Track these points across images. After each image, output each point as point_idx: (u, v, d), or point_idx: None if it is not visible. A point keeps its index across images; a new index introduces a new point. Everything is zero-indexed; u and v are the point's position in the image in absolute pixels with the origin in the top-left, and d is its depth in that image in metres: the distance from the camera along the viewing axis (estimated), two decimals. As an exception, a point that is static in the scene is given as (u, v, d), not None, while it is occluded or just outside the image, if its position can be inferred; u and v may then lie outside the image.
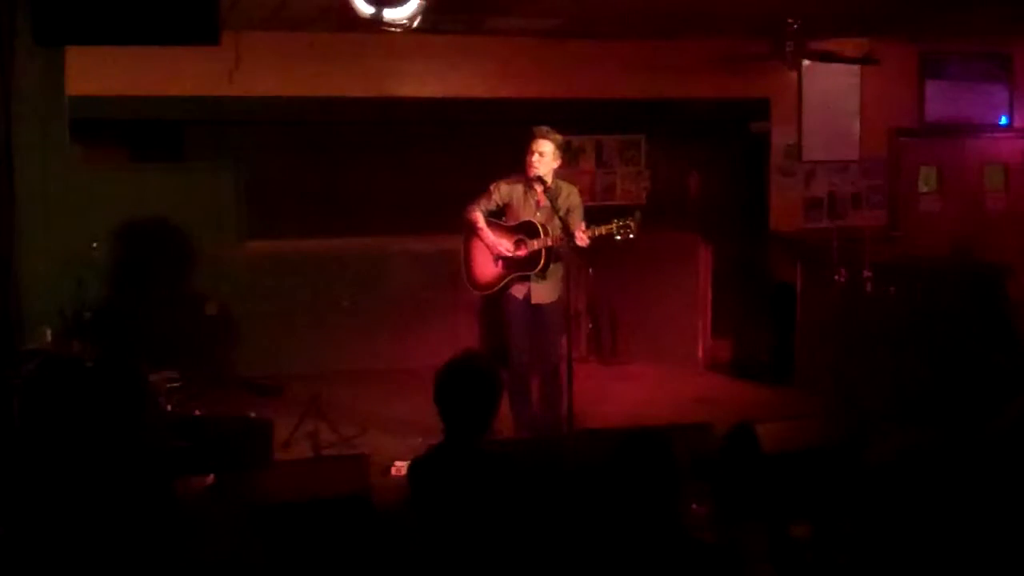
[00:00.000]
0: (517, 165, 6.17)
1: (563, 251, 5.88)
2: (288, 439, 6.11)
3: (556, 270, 6.02)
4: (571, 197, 6.07)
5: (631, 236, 5.71)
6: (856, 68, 9.00)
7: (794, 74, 8.94)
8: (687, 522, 3.05)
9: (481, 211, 6.16)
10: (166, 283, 7.87)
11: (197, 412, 6.09)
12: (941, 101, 9.70)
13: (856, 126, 9.43)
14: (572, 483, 4.08)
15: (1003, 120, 9.96)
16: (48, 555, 3.26)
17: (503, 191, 6.15)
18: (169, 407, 6.04)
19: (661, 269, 8.34)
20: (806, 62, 8.59)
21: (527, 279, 6.06)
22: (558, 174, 6.10)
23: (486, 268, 6.18)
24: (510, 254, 6.06)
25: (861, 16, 7.94)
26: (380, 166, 8.83)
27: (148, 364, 5.65)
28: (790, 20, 7.82)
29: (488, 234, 6.12)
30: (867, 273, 6.94)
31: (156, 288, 7.80)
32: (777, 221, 9.25)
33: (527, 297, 6.09)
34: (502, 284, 6.12)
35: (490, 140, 8.73)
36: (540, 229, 5.97)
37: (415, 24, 5.47)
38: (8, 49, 4.84)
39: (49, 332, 5.16)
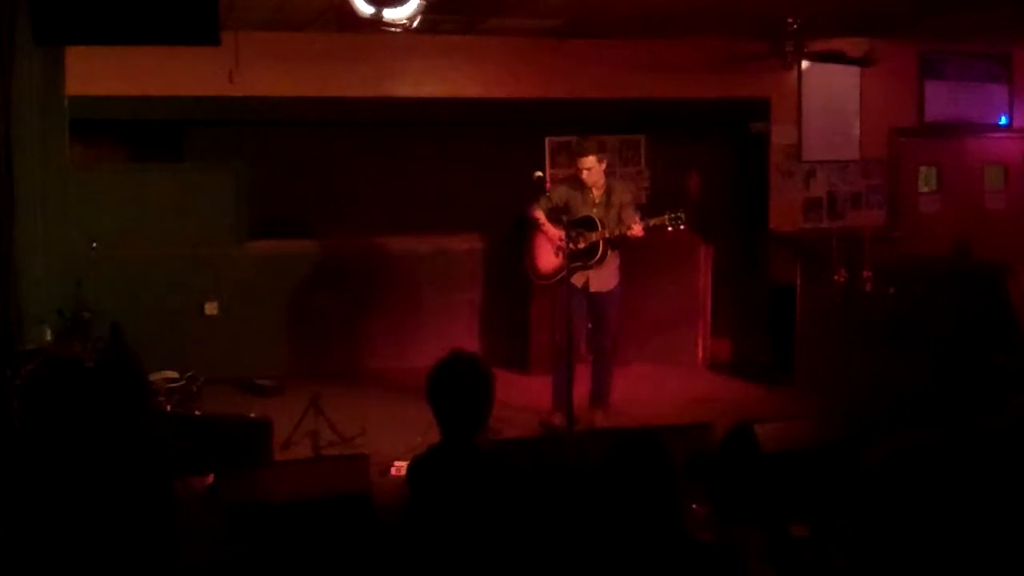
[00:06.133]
0: (517, 165, 6.23)
1: (619, 242, 6.53)
2: (288, 439, 6.11)
3: (612, 259, 6.62)
4: (623, 194, 6.72)
5: (682, 227, 6.45)
6: (856, 68, 8.99)
7: (794, 74, 8.95)
8: (687, 522, 3.04)
9: (542, 209, 6.69)
10: (166, 283, 7.87)
11: (197, 412, 6.11)
12: (941, 101, 9.70)
13: (856, 126, 9.43)
14: (571, 483, 4.08)
15: (1003, 120, 9.97)
16: (48, 555, 3.27)
17: (560, 193, 6.72)
18: (169, 407, 6.06)
19: (661, 269, 8.33)
20: (805, 63, 8.59)
21: (586, 269, 6.56)
22: (607, 173, 6.74)
23: (548, 260, 6.73)
24: (571, 246, 6.46)
25: (861, 16, 7.95)
26: (380, 166, 8.84)
27: (148, 364, 5.66)
28: (790, 20, 7.83)
29: (551, 228, 6.64)
30: (867, 273, 6.93)
31: (156, 288, 7.79)
32: (777, 221, 9.26)
33: (585, 286, 6.60)
34: (562, 273, 6.50)
35: (490, 140, 8.76)
36: (598, 223, 6.52)
37: (415, 24, 5.48)
38: (8, 49, 4.83)
39: (49, 332, 5.16)
